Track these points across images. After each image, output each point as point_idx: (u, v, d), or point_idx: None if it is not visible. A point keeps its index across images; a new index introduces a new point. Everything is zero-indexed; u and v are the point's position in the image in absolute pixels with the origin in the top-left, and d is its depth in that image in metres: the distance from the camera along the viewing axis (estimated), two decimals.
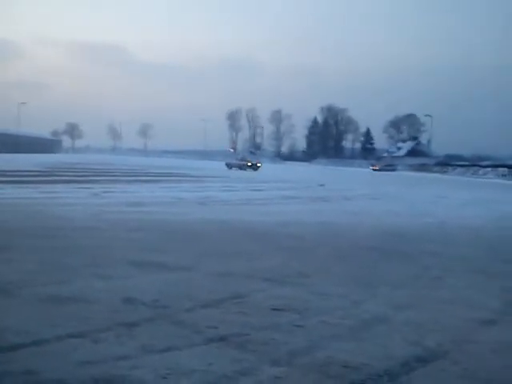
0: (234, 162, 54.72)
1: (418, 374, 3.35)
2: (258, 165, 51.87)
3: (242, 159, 54.94)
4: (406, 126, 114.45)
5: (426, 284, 6.07)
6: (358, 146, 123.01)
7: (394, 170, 71.00)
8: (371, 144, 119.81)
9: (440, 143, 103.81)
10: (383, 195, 22.12)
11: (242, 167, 50.62)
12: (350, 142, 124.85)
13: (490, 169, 58.94)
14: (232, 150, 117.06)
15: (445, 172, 64.19)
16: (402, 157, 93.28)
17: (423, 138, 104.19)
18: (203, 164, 65.29)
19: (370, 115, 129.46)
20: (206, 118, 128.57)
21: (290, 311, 4.62)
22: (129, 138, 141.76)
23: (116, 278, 5.69)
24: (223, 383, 3.10)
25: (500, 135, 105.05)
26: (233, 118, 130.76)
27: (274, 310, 4.66)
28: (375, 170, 68.96)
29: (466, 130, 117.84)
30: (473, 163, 69.18)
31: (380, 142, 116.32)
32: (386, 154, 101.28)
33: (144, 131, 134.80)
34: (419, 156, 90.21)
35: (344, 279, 6.04)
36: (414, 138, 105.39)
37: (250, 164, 51.58)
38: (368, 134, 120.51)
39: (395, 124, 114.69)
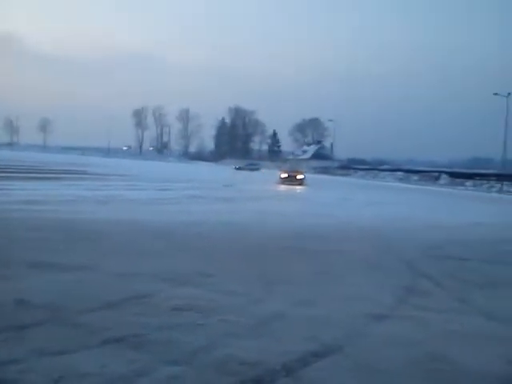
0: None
1: (312, 368, 3.46)
2: None
3: None
4: (310, 129, 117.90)
5: (326, 281, 6.27)
6: (265, 148, 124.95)
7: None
8: (278, 146, 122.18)
9: (344, 147, 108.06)
10: (286, 196, 22.63)
11: None
12: (257, 144, 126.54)
13: (388, 172, 62.13)
14: (125, 148, 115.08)
15: (347, 175, 66.87)
16: (307, 159, 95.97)
17: (327, 142, 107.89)
18: (107, 162, 63.42)
19: (278, 118, 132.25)
20: (111, 115, 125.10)
21: (191, 311, 4.60)
22: (27, 133, 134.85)
23: (10, 278, 5.39)
24: None
25: (398, 141, 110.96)
26: (139, 115, 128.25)
27: (175, 309, 4.62)
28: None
29: (368, 135, 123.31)
30: (373, 167, 72.69)
31: (287, 144, 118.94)
32: (291, 157, 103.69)
33: (43, 126, 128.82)
34: (323, 159, 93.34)
35: (246, 278, 6.11)
36: (318, 142, 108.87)
37: None
38: (275, 137, 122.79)
39: (301, 127, 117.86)
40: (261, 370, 3.32)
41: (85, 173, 31.17)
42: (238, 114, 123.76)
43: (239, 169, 70.20)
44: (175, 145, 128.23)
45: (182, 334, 3.94)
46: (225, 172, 53.42)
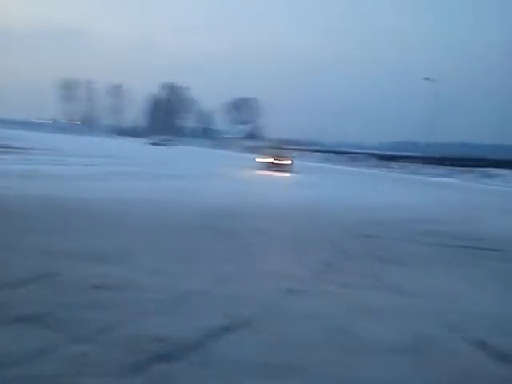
0: None
1: (223, 343, 3.56)
2: None
3: None
4: (245, 108, 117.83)
5: (249, 259, 6.39)
6: (199, 125, 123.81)
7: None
8: (212, 125, 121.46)
9: (278, 127, 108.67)
10: (215, 175, 22.65)
11: None
12: (191, 122, 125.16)
13: (319, 153, 63.26)
14: (51, 122, 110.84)
15: None
16: (241, 138, 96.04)
17: (261, 122, 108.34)
18: (32, 135, 60.89)
19: (212, 96, 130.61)
20: (39, 88, 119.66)
21: (108, 289, 4.58)
22: None
23: None
24: (24, 363, 3.00)
25: (329, 123, 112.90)
26: (68, 88, 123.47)
27: (93, 287, 4.58)
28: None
29: (301, 116, 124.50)
30: (306, 148, 73.80)
31: (221, 123, 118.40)
32: (227, 136, 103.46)
33: None
34: (257, 138, 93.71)
35: (169, 256, 6.13)
36: (252, 121, 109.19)
37: None
38: (209, 115, 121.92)
39: (235, 106, 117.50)
40: (170, 346, 3.37)
41: (6, 146, 29.80)
42: (172, 90, 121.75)
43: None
44: (106, 120, 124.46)
45: (95, 313, 3.93)
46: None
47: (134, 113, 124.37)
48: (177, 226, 8.38)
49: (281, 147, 32.51)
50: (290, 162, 30.03)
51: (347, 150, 64.87)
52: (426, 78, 47.56)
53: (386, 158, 52.18)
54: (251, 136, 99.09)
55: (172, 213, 9.84)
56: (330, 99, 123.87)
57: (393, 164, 47.74)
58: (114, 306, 4.12)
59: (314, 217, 11.05)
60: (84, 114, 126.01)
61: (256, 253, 6.79)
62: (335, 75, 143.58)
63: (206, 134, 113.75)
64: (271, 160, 29.69)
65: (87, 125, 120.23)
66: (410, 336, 4.15)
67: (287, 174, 27.05)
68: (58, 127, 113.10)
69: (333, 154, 60.34)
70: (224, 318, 4.06)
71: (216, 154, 58.72)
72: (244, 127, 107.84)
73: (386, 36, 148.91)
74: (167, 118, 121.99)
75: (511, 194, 25.00)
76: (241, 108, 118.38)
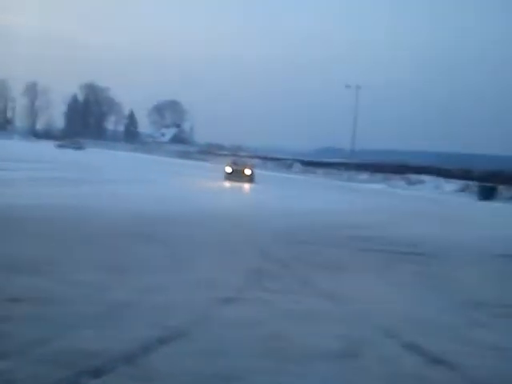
0: None
1: (155, 355, 3.42)
2: None
3: None
4: (169, 111, 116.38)
5: (177, 267, 6.24)
6: (121, 128, 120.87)
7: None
8: (135, 128, 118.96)
9: (203, 132, 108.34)
10: (143, 180, 22.20)
11: None
12: (112, 124, 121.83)
13: (246, 159, 63.73)
14: None
15: (207, 160, 67.27)
16: (166, 143, 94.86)
17: (186, 126, 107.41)
18: None
19: (135, 98, 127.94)
20: None
21: (30, 301, 4.30)
22: None
23: None
24: None
25: (253, 127, 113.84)
26: None
27: (13, 300, 4.28)
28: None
29: (227, 121, 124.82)
30: (232, 153, 73.99)
31: (144, 126, 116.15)
32: (150, 139, 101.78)
33: None
34: (182, 143, 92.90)
35: (95, 265, 5.87)
36: (178, 125, 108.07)
37: None
38: (132, 117, 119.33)
39: (159, 109, 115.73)
40: (100, 360, 3.19)
41: None
42: (92, 90, 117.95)
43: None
44: (21, 121, 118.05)
45: (17, 327, 3.66)
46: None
47: (53, 114, 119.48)
48: (105, 234, 8.07)
49: (238, 155, 30.99)
50: (250, 171, 27.21)
51: (273, 155, 65.63)
52: (348, 86, 48.66)
53: (312, 164, 53.19)
54: (176, 140, 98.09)
55: (99, 220, 9.48)
56: (255, 104, 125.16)
57: (318, 170, 48.74)
58: (39, 320, 3.86)
59: (247, 223, 11.01)
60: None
61: (189, 261, 6.64)
62: (262, 79, 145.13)
63: (129, 137, 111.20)
64: (230, 169, 27.07)
65: (3, 126, 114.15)
66: (342, 340, 4.18)
67: (247, 185, 25.12)
68: None
69: (259, 160, 60.88)
70: (157, 328, 3.91)
71: (137, 159, 57.51)
72: (169, 131, 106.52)
73: (316, 39, 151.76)
74: (87, 119, 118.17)
75: (432, 200, 26.13)
76: (165, 111, 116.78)
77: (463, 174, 38.11)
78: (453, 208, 23.04)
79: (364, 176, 42.32)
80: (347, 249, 8.68)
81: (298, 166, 52.44)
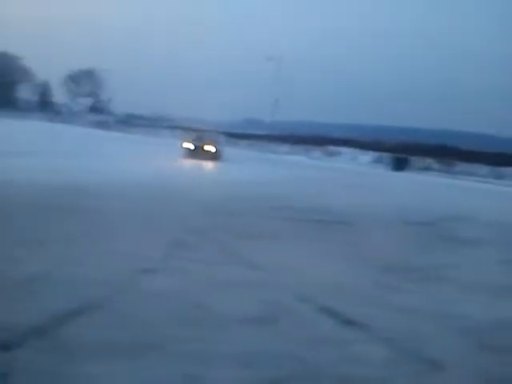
0: None
1: (69, 327, 3.35)
2: None
3: None
4: (86, 81, 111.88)
5: (97, 239, 6.09)
6: (35, 98, 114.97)
7: None
8: (49, 97, 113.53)
9: (122, 101, 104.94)
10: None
11: None
12: (26, 94, 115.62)
13: (168, 130, 62.48)
14: None
15: (127, 131, 65.45)
16: (83, 112, 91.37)
17: (104, 95, 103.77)
18: None
19: (50, 67, 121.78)
20: None
21: None
22: None
23: None
24: None
25: (182, 97, 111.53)
26: None
27: None
28: None
29: (147, 91, 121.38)
30: (153, 123, 72.34)
31: (60, 95, 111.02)
32: (65, 109, 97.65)
33: None
34: (100, 113, 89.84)
35: (11, 239, 5.62)
36: (94, 95, 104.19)
37: None
38: (46, 87, 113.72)
39: (75, 78, 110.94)
40: (9, 334, 3.08)
41: None
42: (4, 60, 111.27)
43: None
44: None
45: None
46: None
47: None
48: (23, 207, 7.70)
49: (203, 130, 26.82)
50: (214, 148, 24.75)
51: (196, 126, 64.91)
52: (268, 57, 48.41)
53: (234, 135, 53.18)
54: (93, 110, 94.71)
55: (17, 193, 9.02)
56: (178, 74, 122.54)
57: (241, 142, 48.85)
58: None
59: (174, 194, 10.88)
60: None
61: (107, 232, 6.50)
62: (185, 49, 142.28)
63: (43, 107, 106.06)
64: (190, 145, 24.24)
65: None
66: (262, 307, 4.27)
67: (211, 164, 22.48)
68: None
69: (181, 131, 60.00)
70: (72, 301, 3.81)
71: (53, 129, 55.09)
72: (85, 100, 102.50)
73: (237, 8, 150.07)
74: None
75: (349, 171, 26.98)
76: (82, 80, 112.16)
77: (378, 146, 39.57)
78: (368, 178, 23.88)
79: (285, 148, 42.95)
80: (267, 219, 8.82)
81: (221, 137, 52.23)
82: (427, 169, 32.23)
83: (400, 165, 31.03)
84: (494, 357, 3.77)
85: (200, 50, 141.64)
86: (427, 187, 22.27)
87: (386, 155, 34.38)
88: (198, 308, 4.09)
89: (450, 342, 3.98)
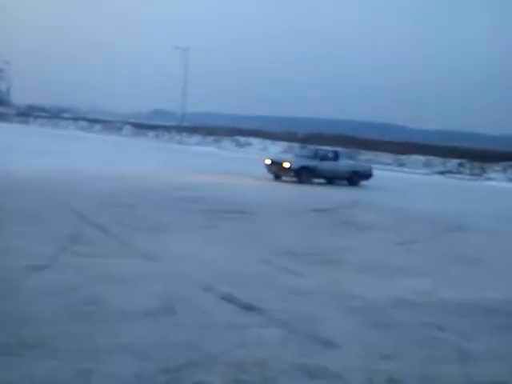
0: None
1: None
2: None
3: None
4: None
5: None
6: None
7: None
8: None
9: (23, 92, 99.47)
10: None
11: None
12: None
13: (70, 121, 60.03)
14: None
15: (26, 122, 62.18)
16: None
17: (2, 86, 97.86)
18: None
19: None
20: None
21: None
22: None
23: None
24: None
25: (80, 89, 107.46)
26: None
27: None
28: None
29: (49, 81, 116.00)
30: (55, 115, 69.20)
31: None
32: None
33: None
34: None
35: None
36: None
37: None
38: None
39: None
40: None
41: None
42: None
43: None
44: None
45: None
46: None
47: None
48: None
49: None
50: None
51: (102, 117, 62.91)
52: (176, 47, 47.11)
53: (143, 126, 52.08)
54: None
55: None
56: (83, 65, 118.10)
57: (150, 133, 47.90)
58: None
59: (66, 187, 10.46)
60: None
61: None
62: (89, 39, 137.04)
63: None
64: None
65: None
66: (160, 299, 4.24)
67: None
68: None
69: (86, 122, 57.98)
70: None
71: None
72: None
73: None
74: None
75: (258, 161, 27.22)
76: None
77: (288, 137, 40.34)
78: None
79: (196, 139, 42.67)
80: (171, 210, 8.75)
81: (128, 128, 50.99)
82: None
83: None
84: (384, 333, 3.98)
85: (107, 40, 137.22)
86: None
87: (295, 145, 35.08)
88: (93, 304, 3.99)
89: (342, 321, 4.15)
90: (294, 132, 43.66)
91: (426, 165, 30.39)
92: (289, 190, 14.43)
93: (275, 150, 36.49)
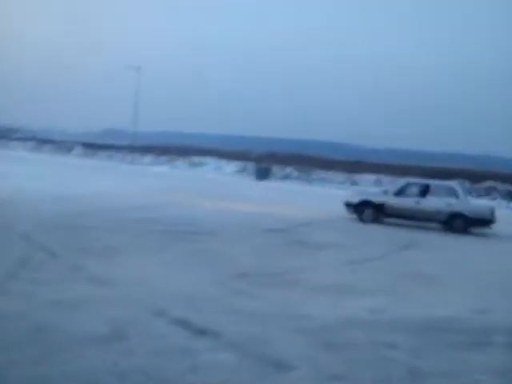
0: None
1: None
2: None
3: None
4: None
5: None
6: None
7: None
8: None
9: None
10: None
11: None
12: None
13: (19, 142, 58.33)
14: None
15: None
16: None
17: None
18: None
19: None
20: None
21: None
22: None
23: None
24: None
25: (38, 108, 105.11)
26: None
27: None
28: None
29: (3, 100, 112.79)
30: (4, 135, 67.21)
31: None
32: None
33: None
34: None
35: None
36: None
37: None
38: None
39: None
40: None
41: None
42: None
43: None
44: None
45: None
46: None
47: None
48: None
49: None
50: None
51: (54, 137, 61.54)
52: (128, 66, 46.68)
53: (94, 146, 51.22)
54: None
55: None
56: (36, 84, 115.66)
57: (101, 153, 47.14)
58: None
59: (10, 208, 10.17)
60: None
61: None
62: (41, 57, 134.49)
63: None
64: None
65: None
66: (112, 324, 4.17)
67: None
68: None
69: (35, 142, 56.56)
70: None
71: None
72: None
73: (93, 20, 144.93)
74: None
75: (213, 180, 27.18)
76: None
77: (243, 156, 40.48)
78: (233, 188, 24.32)
79: (148, 158, 42.29)
80: (126, 232, 8.63)
81: (79, 148, 50.07)
82: (287, 177, 33.51)
83: (263, 174, 31.93)
84: (335, 354, 4.03)
85: (58, 60, 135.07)
86: (283, 193, 23.17)
87: (250, 165, 35.21)
88: (44, 330, 3.89)
89: (295, 342, 4.18)
90: (248, 151, 43.88)
91: (376, 183, 31.07)
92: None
93: (230, 169, 36.58)
